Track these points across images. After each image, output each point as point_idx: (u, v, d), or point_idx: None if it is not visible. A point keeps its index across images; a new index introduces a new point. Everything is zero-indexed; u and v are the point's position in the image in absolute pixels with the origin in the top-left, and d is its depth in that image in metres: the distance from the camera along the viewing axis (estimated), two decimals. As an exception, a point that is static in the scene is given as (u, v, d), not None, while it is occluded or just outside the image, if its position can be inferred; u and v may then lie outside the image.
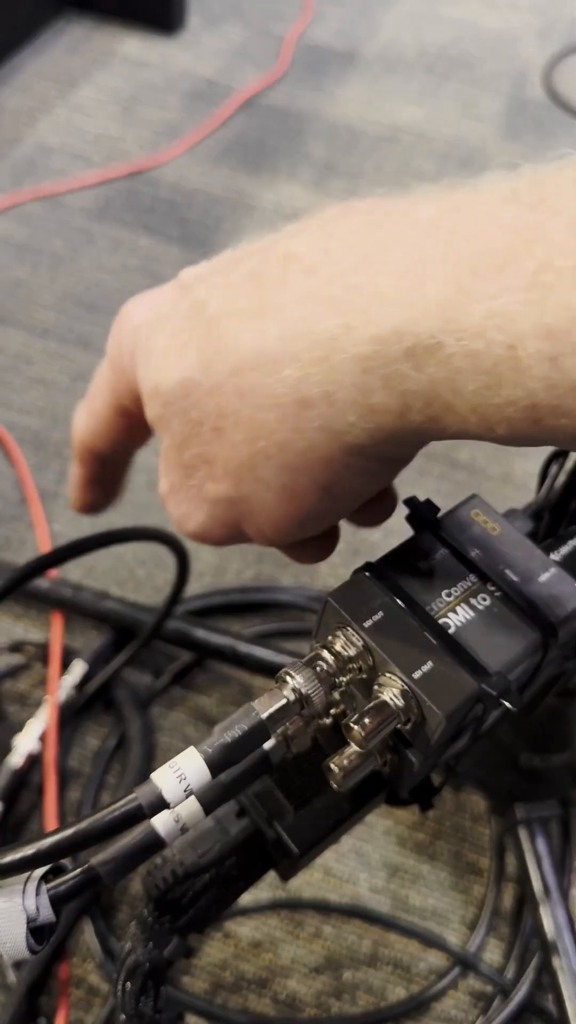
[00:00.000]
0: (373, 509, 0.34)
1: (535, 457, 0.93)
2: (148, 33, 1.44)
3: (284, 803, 0.36)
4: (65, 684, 0.70)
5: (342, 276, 0.25)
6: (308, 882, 0.65)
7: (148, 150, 1.24)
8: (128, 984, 0.37)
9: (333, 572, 0.83)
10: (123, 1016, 0.38)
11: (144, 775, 0.67)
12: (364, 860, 0.67)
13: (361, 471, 0.28)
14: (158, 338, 0.30)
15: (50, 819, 0.66)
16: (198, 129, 1.28)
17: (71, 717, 0.71)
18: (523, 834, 0.63)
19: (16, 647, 0.72)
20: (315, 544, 0.34)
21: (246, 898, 0.63)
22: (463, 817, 0.69)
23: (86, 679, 0.71)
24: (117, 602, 0.74)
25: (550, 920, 0.60)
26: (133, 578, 0.81)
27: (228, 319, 0.27)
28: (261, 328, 0.26)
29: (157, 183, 1.19)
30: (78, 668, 0.71)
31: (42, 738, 0.68)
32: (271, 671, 0.72)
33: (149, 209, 1.15)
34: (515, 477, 0.92)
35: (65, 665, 0.72)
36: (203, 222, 1.15)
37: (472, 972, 0.63)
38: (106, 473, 0.40)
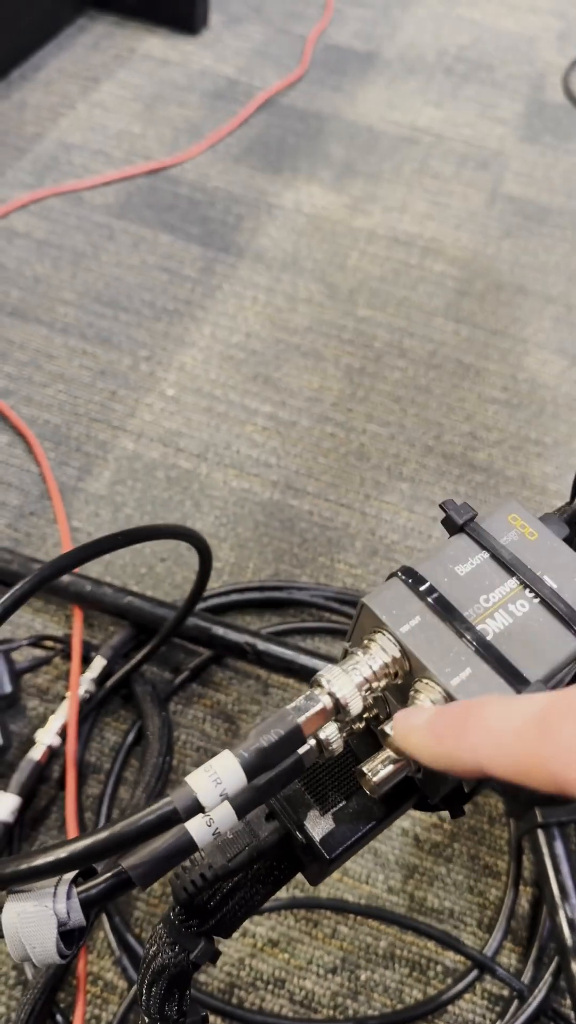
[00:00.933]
0: None
1: (553, 459, 0.93)
2: (170, 31, 1.43)
3: (314, 807, 0.36)
4: (85, 679, 0.70)
5: None
6: (325, 882, 0.65)
7: (169, 148, 1.24)
8: (153, 988, 0.37)
9: (350, 572, 0.83)
10: (146, 1019, 0.38)
11: (162, 771, 0.68)
12: (381, 861, 0.67)
13: None
14: None
15: (70, 813, 0.66)
16: (219, 128, 1.27)
17: (90, 712, 0.71)
18: (542, 837, 0.63)
19: (37, 642, 0.72)
20: None
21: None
22: (480, 819, 0.69)
23: (105, 674, 0.71)
24: (137, 598, 0.74)
25: (568, 923, 0.60)
26: (152, 574, 0.81)
27: None
28: None
29: (178, 181, 1.19)
30: (98, 663, 0.71)
31: (62, 732, 0.68)
32: (289, 669, 0.72)
33: (170, 207, 1.15)
34: (533, 479, 0.92)
35: (85, 660, 0.72)
36: (223, 220, 1.15)
37: (489, 975, 0.62)
38: None
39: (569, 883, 0.62)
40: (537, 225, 1.21)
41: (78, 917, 0.31)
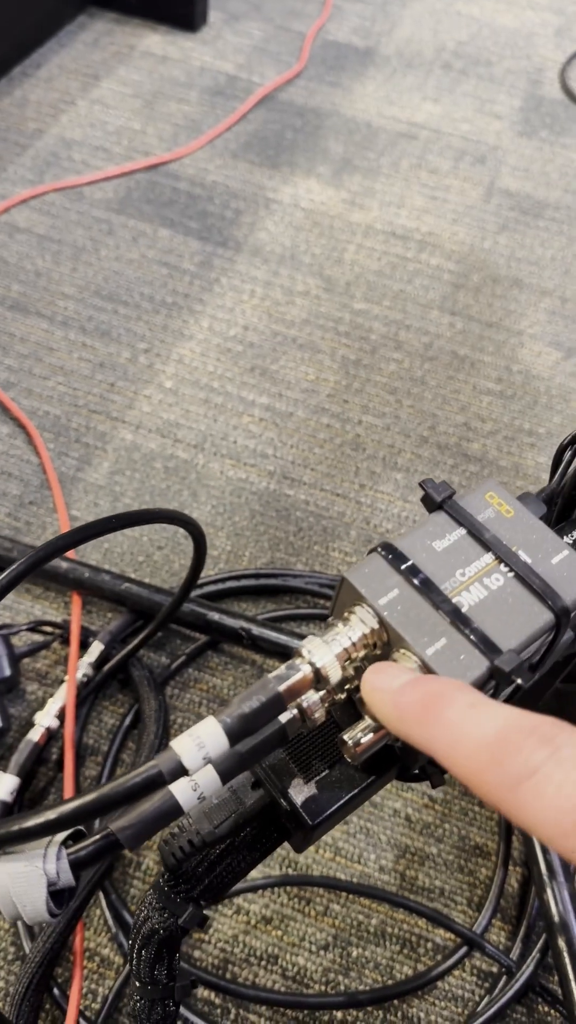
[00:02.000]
0: None
1: (547, 449, 0.94)
2: (170, 29, 1.45)
3: (298, 775, 0.37)
4: (83, 664, 0.72)
5: None
6: (317, 860, 0.67)
7: (168, 144, 1.25)
8: (143, 951, 0.38)
9: (345, 560, 0.84)
10: (137, 983, 0.39)
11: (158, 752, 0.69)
12: (373, 840, 0.68)
13: None
14: None
15: (68, 793, 0.67)
16: (218, 124, 1.29)
17: (88, 695, 0.72)
18: (530, 819, 0.64)
19: (36, 627, 0.74)
20: None
21: (257, 875, 0.65)
22: (471, 800, 0.70)
23: (103, 659, 0.73)
24: (135, 584, 0.75)
25: (555, 901, 0.61)
26: (150, 562, 0.82)
27: None
28: None
29: (177, 176, 1.21)
30: (95, 648, 0.72)
31: (60, 715, 0.69)
32: (284, 654, 0.73)
33: (169, 202, 1.17)
34: (527, 468, 0.93)
35: (83, 645, 0.74)
36: (222, 215, 1.16)
37: (478, 952, 0.64)
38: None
39: (556, 863, 0.63)
40: (533, 219, 1.22)
41: (67, 877, 0.33)
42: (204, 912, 0.39)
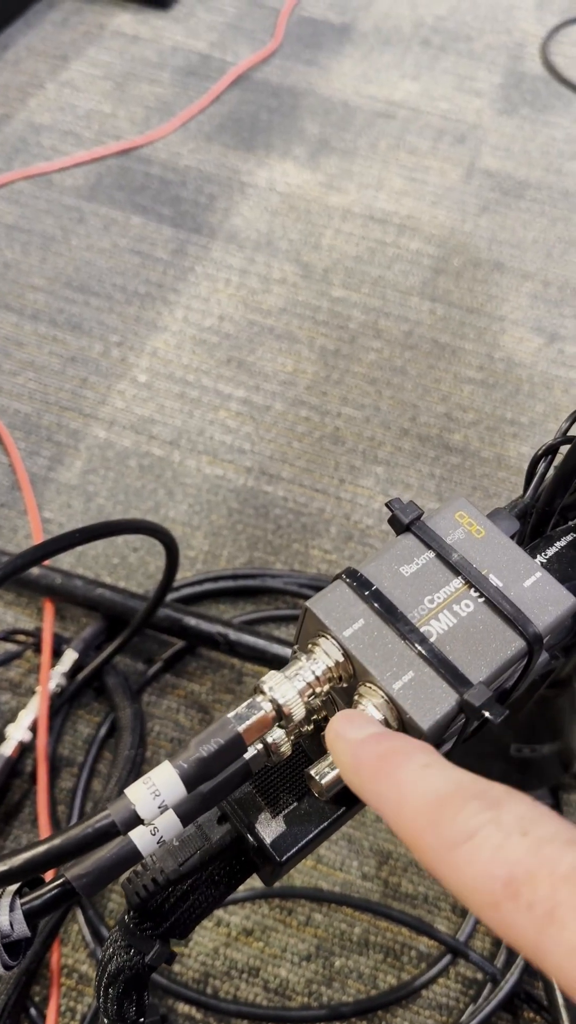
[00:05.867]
0: None
1: (529, 439, 0.93)
2: (141, 7, 1.41)
3: (265, 809, 0.35)
4: (56, 673, 0.70)
5: None
6: (299, 870, 0.66)
7: (140, 127, 1.22)
8: (110, 990, 0.37)
9: (325, 558, 0.82)
10: (106, 1021, 0.38)
11: (135, 763, 0.67)
12: (356, 847, 0.67)
13: None
14: None
15: (42, 808, 0.66)
16: (191, 106, 1.25)
17: (62, 705, 0.71)
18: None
19: (7, 636, 0.72)
20: None
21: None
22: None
23: (77, 667, 0.71)
24: (108, 590, 0.74)
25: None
26: (125, 564, 0.80)
27: None
28: None
29: (149, 161, 1.18)
30: (68, 657, 0.71)
31: (33, 727, 0.68)
32: (262, 658, 0.72)
33: (141, 188, 1.14)
34: (509, 460, 0.91)
35: (57, 653, 0.72)
36: (196, 200, 1.13)
37: (462, 959, 0.63)
38: None
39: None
40: (515, 200, 1.19)
41: (22, 929, 0.31)
42: (172, 949, 0.38)
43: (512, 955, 0.62)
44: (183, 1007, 0.60)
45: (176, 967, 0.62)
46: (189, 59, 1.34)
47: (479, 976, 0.63)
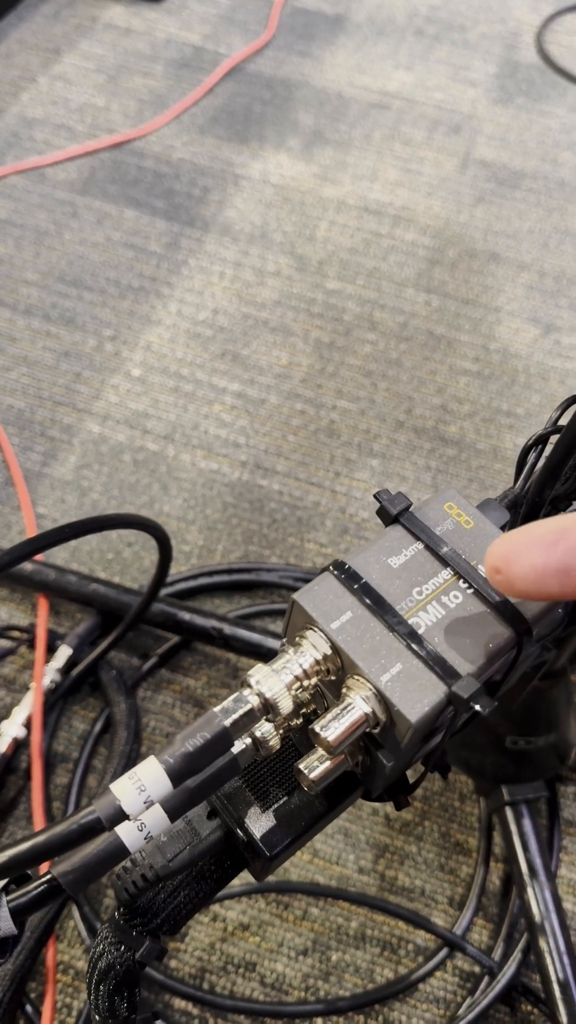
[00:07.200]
0: None
1: (525, 431, 0.92)
2: (132, -3, 1.40)
3: (255, 803, 0.35)
4: (50, 669, 0.70)
5: None
6: (295, 864, 0.65)
7: (133, 120, 1.21)
8: (101, 987, 0.37)
9: (320, 551, 0.82)
10: (96, 1018, 0.37)
11: (130, 758, 0.67)
12: (352, 841, 0.67)
13: None
14: None
15: (36, 804, 0.65)
16: (184, 98, 1.25)
17: (57, 701, 0.70)
18: (509, 815, 0.63)
19: (2, 632, 0.72)
20: None
21: (233, 881, 0.63)
22: (451, 797, 0.69)
23: (71, 663, 0.71)
24: (102, 585, 0.73)
25: (537, 901, 0.60)
26: (119, 559, 0.80)
27: None
28: None
29: (142, 154, 1.17)
30: (63, 652, 0.70)
31: (27, 723, 0.68)
32: (258, 653, 0.72)
33: (134, 181, 1.13)
34: (505, 451, 0.91)
35: (51, 649, 0.72)
36: (189, 193, 1.13)
37: (460, 953, 0.63)
38: None
39: (537, 860, 0.62)
40: (510, 190, 1.19)
41: (8, 926, 0.31)
42: (164, 945, 0.38)
43: (510, 947, 0.62)
44: (179, 1003, 0.60)
45: (172, 962, 0.62)
46: (182, 51, 1.33)
47: (476, 969, 0.62)
